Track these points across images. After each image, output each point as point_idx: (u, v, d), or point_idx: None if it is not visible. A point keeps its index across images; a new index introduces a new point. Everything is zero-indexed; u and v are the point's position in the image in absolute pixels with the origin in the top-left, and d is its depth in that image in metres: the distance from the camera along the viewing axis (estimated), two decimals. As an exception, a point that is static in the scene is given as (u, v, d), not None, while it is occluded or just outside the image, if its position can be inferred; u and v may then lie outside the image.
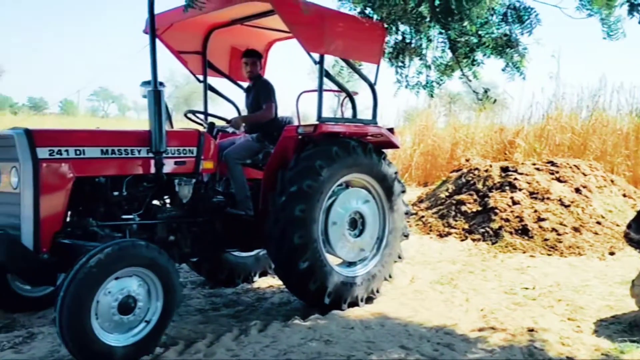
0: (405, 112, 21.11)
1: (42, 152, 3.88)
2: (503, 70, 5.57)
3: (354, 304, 4.96)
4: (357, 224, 5.13)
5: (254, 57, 5.57)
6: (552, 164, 9.39)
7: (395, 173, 5.41)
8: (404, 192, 5.51)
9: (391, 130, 5.49)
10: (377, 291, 5.23)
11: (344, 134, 5.03)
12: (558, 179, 8.91)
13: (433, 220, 8.77)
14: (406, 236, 5.58)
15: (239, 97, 6.03)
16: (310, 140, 4.86)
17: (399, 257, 5.51)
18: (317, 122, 4.81)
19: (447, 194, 9.35)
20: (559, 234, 7.65)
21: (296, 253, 4.57)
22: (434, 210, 9.10)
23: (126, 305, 3.64)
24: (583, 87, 18.57)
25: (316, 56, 4.89)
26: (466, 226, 8.33)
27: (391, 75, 6.13)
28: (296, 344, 3.96)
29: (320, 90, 4.93)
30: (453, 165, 12.29)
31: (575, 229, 7.78)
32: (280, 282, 5.95)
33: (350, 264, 5.16)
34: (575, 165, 9.34)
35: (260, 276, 6.15)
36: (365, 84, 5.46)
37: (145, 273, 3.73)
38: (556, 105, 13.57)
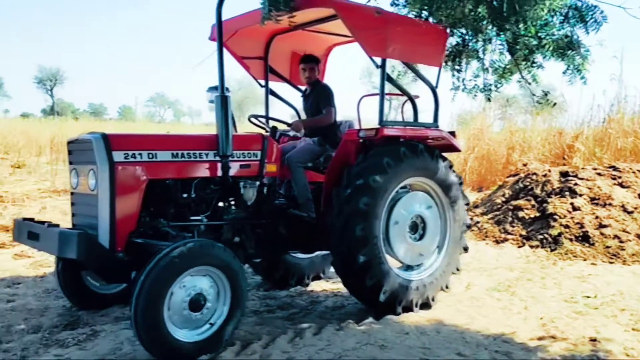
0: (458, 115, 20.80)
1: (118, 156, 4.07)
2: (564, 73, 5.38)
3: (408, 308, 4.93)
4: (418, 228, 5.12)
5: (312, 63, 5.65)
6: (614, 168, 9.07)
7: (460, 183, 5.39)
8: (467, 204, 5.49)
9: (452, 133, 5.48)
10: (433, 299, 5.18)
11: (406, 137, 5.04)
12: (620, 184, 8.60)
13: (489, 226, 8.60)
14: (465, 249, 5.53)
15: (298, 101, 6.13)
16: (371, 144, 4.89)
17: (457, 269, 5.47)
18: (378, 126, 4.85)
19: (503, 199, 9.16)
20: (621, 241, 7.38)
21: (356, 245, 4.60)
22: (490, 215, 8.92)
23: (196, 303, 3.78)
24: (647, 90, 17.87)
25: (378, 60, 4.92)
26: (524, 232, 8.14)
27: (447, 79, 6.06)
28: (351, 347, 3.96)
29: (382, 94, 4.98)
30: (509, 170, 12.02)
31: (639, 236, 7.48)
32: (333, 286, 5.99)
33: (408, 268, 5.14)
34: (638, 170, 8.99)
35: (313, 280, 6.19)
36: (415, 89, 5.46)
37: (215, 273, 3.87)
38: (618, 108, 13.10)
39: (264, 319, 4.89)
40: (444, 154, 5.33)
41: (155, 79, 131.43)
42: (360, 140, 4.91)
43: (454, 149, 5.50)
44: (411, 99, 5.40)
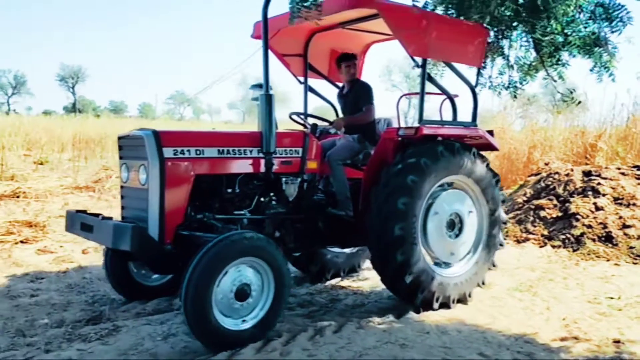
0: (479, 114, 20.61)
1: (168, 152, 4.22)
2: (591, 70, 5.31)
3: (445, 304, 5.01)
4: (455, 225, 5.17)
5: (351, 61, 5.68)
6: (639, 168, 8.93)
7: (497, 181, 5.43)
8: (504, 201, 5.54)
9: (491, 132, 5.51)
10: (470, 295, 5.25)
11: (445, 136, 5.09)
12: (645, 184, 8.45)
13: (510, 225, 8.50)
14: (501, 245, 5.58)
15: (334, 97, 6.19)
16: (410, 143, 4.94)
17: (493, 265, 5.52)
18: (418, 125, 4.90)
19: (524, 198, 9.06)
20: (645, 242, 7.26)
21: (395, 245, 4.66)
22: (511, 215, 8.83)
23: (242, 293, 3.94)
24: (672, 88, 17.51)
25: (419, 60, 4.99)
26: (545, 232, 8.04)
27: (471, 77, 6.01)
28: (371, 346, 3.95)
29: (422, 93, 5.04)
30: (530, 169, 11.89)
31: (664, 237, 7.35)
32: (354, 284, 5.99)
33: (445, 265, 5.19)
34: (663, 170, 8.82)
35: (348, 273, 6.36)
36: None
37: (260, 264, 4.02)
38: (642, 107, 12.87)
39: (284, 316, 4.87)
40: (482, 153, 5.37)
41: (175, 77, 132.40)
42: (400, 139, 4.97)
43: (491, 147, 5.55)
44: (451, 98, 5.42)
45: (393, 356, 3.78)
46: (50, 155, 14.83)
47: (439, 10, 5.75)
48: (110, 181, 11.28)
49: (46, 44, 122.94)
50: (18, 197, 9.61)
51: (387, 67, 64.39)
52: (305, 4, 4.45)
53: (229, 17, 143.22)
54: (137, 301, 5.08)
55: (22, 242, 7.27)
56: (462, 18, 5.31)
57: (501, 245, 5.57)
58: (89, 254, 6.98)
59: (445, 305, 4.99)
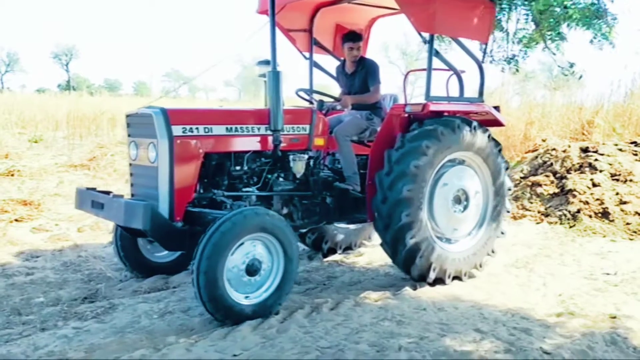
0: (475, 91, 20.52)
1: (177, 130, 4.24)
2: (591, 42, 5.29)
3: (457, 278, 5.12)
4: (461, 200, 5.21)
5: (357, 41, 5.61)
6: (636, 144, 8.90)
7: (499, 150, 5.45)
8: (507, 168, 5.58)
9: (497, 108, 5.54)
10: (480, 266, 5.34)
11: (452, 112, 5.10)
12: (642, 161, 8.43)
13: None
14: (508, 211, 5.65)
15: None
16: (416, 119, 4.96)
17: (502, 233, 5.58)
18: (425, 101, 4.91)
19: (521, 175, 9.02)
20: (642, 218, 7.26)
21: (403, 230, 4.72)
22: (508, 191, 8.81)
23: (253, 267, 4.02)
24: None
25: (426, 35, 5.00)
26: (542, 209, 8.04)
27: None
28: (368, 323, 3.95)
29: (430, 69, 5.04)
30: (527, 146, 11.85)
31: (661, 213, 7.35)
32: (349, 261, 5.99)
33: (454, 240, 5.25)
34: (661, 146, 8.80)
35: (359, 246, 6.47)
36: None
37: (270, 240, 4.09)
38: (640, 82, 12.80)
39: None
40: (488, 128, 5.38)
41: (170, 54, 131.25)
42: (406, 115, 4.99)
43: (498, 123, 5.59)
44: (457, 74, 5.38)
45: (389, 332, 3.78)
46: (44, 133, 14.70)
47: None
48: (105, 159, 11.20)
49: (40, 21, 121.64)
50: (12, 175, 9.53)
51: (384, 44, 63.91)
52: None
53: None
54: (134, 279, 5.08)
55: (16, 220, 7.24)
56: None
57: (508, 211, 5.62)
58: (85, 232, 6.96)
59: (457, 278, 5.12)
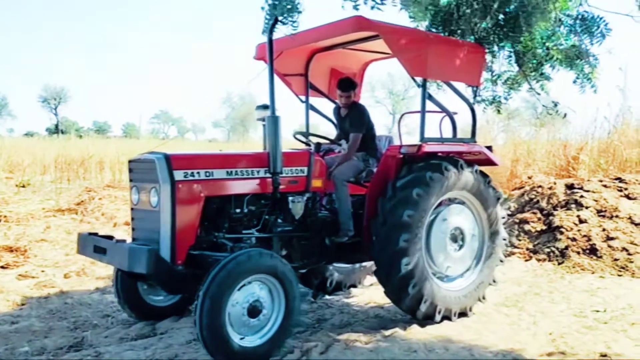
0: (461, 129, 20.74)
1: (178, 175, 4.32)
2: (574, 82, 5.43)
3: (447, 317, 5.11)
4: (457, 239, 5.28)
5: (349, 90, 5.69)
6: (620, 180, 9.00)
7: (498, 199, 5.56)
8: (499, 199, 5.63)
9: (489, 148, 5.62)
10: (470, 309, 5.34)
11: (446, 153, 5.21)
12: (627, 196, 8.52)
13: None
14: (501, 261, 5.69)
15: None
16: (411, 160, 5.05)
17: (494, 281, 5.61)
18: (420, 143, 5.01)
19: (509, 212, 9.08)
20: (629, 254, 7.31)
21: (399, 255, 4.77)
22: (496, 229, 8.85)
23: (254, 309, 4.04)
24: (651, 100, 17.76)
25: (419, 79, 5.11)
26: (530, 246, 8.07)
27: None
28: (358, 367, 3.91)
29: (423, 111, 5.16)
30: (514, 183, 11.96)
31: (647, 248, 7.39)
32: (340, 303, 5.94)
33: (448, 279, 5.29)
34: (644, 182, 8.90)
35: (348, 288, 6.49)
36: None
37: (271, 281, 4.12)
38: (623, 119, 13.02)
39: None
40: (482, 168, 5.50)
41: (158, 96, 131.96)
42: (401, 156, 5.09)
43: (491, 163, 5.64)
44: (450, 116, 5.50)
45: (380, 376, 3.74)
46: (32, 177, 14.64)
47: (423, 27, 5.81)
48: (93, 203, 11.14)
49: (28, 66, 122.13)
50: (-1, 221, 9.46)
51: (369, 84, 64.74)
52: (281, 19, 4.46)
53: (210, 32, 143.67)
54: (121, 326, 5.01)
55: (2, 267, 7.16)
56: (446, 34, 5.37)
57: (501, 261, 5.67)
58: (71, 278, 6.88)
59: (446, 318, 5.11)
